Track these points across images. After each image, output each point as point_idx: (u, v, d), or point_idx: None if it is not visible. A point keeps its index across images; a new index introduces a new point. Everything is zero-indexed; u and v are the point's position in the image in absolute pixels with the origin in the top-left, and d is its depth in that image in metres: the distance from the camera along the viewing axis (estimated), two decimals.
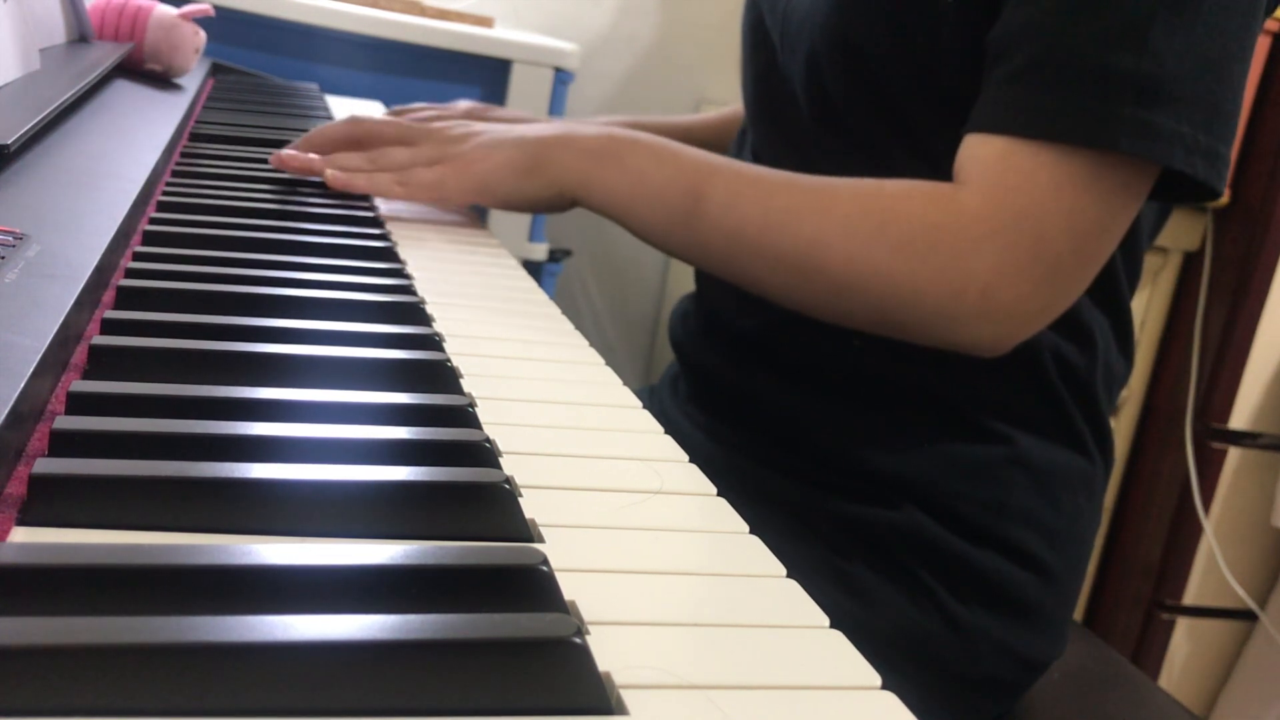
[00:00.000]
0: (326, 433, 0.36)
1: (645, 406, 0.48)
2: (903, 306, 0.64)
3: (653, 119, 1.01)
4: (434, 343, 0.48)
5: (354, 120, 0.77)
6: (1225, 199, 1.65)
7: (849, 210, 0.64)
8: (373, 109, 1.28)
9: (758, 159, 0.81)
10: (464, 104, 0.96)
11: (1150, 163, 0.61)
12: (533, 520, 0.35)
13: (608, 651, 0.28)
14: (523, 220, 1.51)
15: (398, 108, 0.97)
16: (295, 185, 0.75)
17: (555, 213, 0.76)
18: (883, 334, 0.67)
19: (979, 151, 0.63)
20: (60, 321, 0.38)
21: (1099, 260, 0.64)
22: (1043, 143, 0.60)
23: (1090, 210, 0.61)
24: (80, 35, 0.95)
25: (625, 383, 0.50)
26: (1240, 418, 1.67)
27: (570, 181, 0.72)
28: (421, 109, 0.94)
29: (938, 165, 0.68)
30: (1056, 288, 0.63)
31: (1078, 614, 1.76)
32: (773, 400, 0.77)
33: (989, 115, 0.63)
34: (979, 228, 0.61)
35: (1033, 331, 0.65)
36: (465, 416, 0.41)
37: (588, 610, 0.30)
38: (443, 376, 0.45)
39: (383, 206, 0.77)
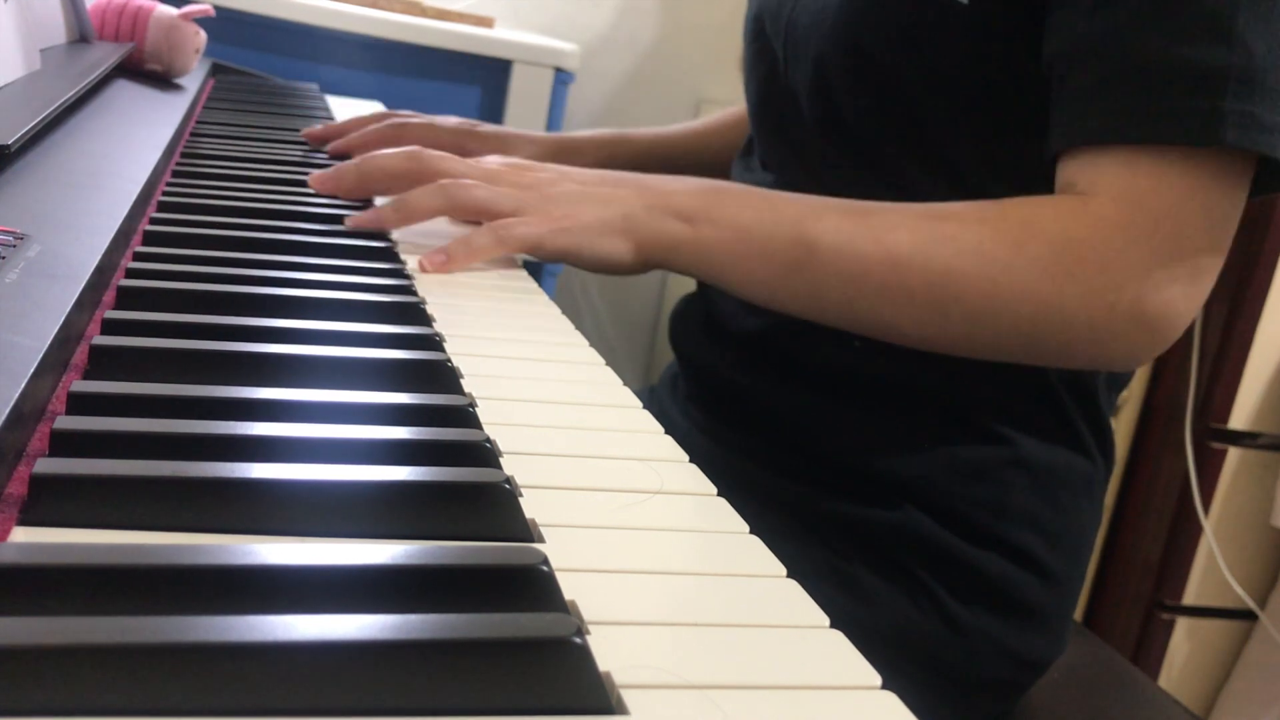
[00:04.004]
0: (327, 433, 0.36)
1: (645, 407, 0.48)
2: (1052, 328, 0.61)
3: (642, 132, 0.99)
4: (434, 343, 0.48)
5: (413, 155, 0.70)
6: None
7: (979, 234, 0.61)
8: (373, 109, 1.28)
9: (765, 169, 0.80)
10: (452, 120, 0.91)
11: (1252, 154, 0.60)
12: (533, 520, 0.35)
13: (608, 651, 0.28)
14: None
15: (385, 111, 0.94)
16: (295, 185, 0.75)
17: (628, 275, 0.70)
18: (1023, 362, 0.65)
19: (1096, 162, 0.61)
20: (61, 321, 0.38)
21: (1227, 250, 0.62)
22: (1162, 145, 0.59)
23: (1221, 203, 0.60)
24: (81, 35, 0.95)
25: (625, 383, 0.50)
26: (1240, 418, 1.67)
27: (657, 246, 0.67)
28: (411, 116, 0.90)
29: (950, 177, 0.67)
30: (1199, 284, 0.61)
31: (1078, 614, 1.76)
32: (772, 401, 0.77)
33: (1088, 126, 0.61)
34: (1121, 236, 0.59)
35: (1180, 333, 0.62)
36: (465, 416, 0.41)
37: (588, 610, 0.30)
38: (443, 376, 0.45)
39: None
